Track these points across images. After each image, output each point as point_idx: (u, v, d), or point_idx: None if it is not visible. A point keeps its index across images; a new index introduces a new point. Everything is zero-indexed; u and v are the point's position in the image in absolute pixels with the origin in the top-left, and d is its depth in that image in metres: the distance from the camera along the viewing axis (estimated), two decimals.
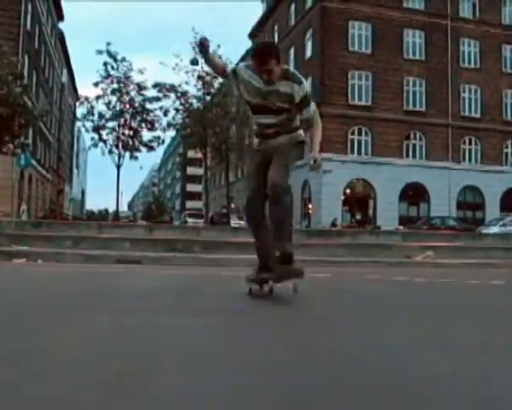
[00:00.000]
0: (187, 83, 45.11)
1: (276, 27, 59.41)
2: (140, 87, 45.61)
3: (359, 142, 46.06)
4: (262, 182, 5.13)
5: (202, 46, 4.94)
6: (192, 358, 2.66)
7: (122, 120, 45.61)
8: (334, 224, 39.45)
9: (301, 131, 5.23)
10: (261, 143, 5.29)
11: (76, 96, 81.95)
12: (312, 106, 5.03)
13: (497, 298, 6.18)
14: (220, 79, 45.72)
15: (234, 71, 5.10)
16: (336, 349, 3.00)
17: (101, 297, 5.04)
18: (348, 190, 45.67)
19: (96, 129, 45.98)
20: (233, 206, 58.62)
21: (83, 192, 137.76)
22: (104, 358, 2.61)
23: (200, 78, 44.62)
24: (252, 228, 5.39)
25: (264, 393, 2.08)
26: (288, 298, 5.08)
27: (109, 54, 45.25)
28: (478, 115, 48.85)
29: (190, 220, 50.51)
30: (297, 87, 4.83)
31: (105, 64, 45.36)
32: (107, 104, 45.66)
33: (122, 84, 45.55)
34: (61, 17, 64.89)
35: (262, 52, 4.77)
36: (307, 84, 5.06)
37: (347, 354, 2.87)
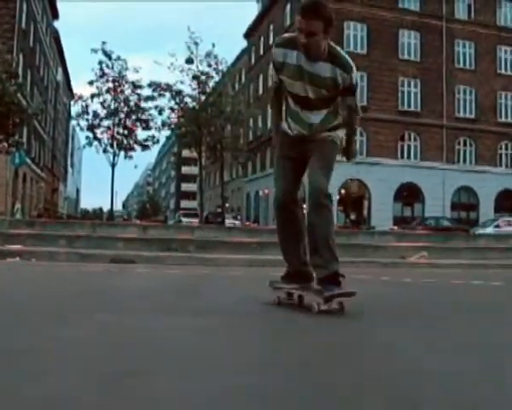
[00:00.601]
0: (182, 82, 45.06)
1: (271, 27, 59.40)
2: (135, 86, 45.50)
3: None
4: (295, 182, 4.58)
5: None
6: (192, 358, 2.66)
7: (117, 119, 45.48)
8: None
9: (342, 131, 4.53)
10: (297, 137, 4.52)
11: (71, 95, 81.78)
12: (356, 98, 4.45)
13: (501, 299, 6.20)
14: (216, 79, 45.85)
15: (274, 66, 4.43)
16: (334, 351, 3.01)
17: (100, 297, 5.03)
18: (343, 191, 45.69)
19: (91, 128, 45.83)
20: (227, 205, 58.69)
21: (77, 191, 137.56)
22: (104, 358, 2.61)
23: (195, 77, 44.56)
24: (280, 231, 4.72)
25: (264, 393, 2.08)
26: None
27: (104, 52, 45.13)
28: (473, 116, 48.99)
29: (185, 220, 50.52)
30: (343, 74, 4.16)
31: (100, 63, 45.24)
32: (102, 103, 45.56)
33: (117, 83, 45.45)
34: (56, 16, 64.76)
35: (307, 9, 3.97)
36: (355, 72, 4.29)
37: (344, 355, 2.88)
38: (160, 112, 45.65)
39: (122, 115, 45.61)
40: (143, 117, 45.78)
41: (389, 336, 3.46)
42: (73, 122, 60.71)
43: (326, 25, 4.01)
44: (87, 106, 45.71)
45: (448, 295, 6.51)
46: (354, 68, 4.25)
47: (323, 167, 4.31)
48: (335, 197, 44.48)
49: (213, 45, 45.09)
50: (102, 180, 65.72)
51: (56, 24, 66.98)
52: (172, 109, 45.68)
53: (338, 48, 4.35)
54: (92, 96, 45.40)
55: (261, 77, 62.38)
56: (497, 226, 34.72)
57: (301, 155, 4.47)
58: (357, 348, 3.07)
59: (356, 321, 4.03)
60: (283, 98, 4.60)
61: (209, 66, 44.53)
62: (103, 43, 45.21)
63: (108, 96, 45.53)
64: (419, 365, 2.63)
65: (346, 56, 4.31)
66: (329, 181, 4.35)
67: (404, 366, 2.61)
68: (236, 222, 47.32)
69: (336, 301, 4.11)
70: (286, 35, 4.38)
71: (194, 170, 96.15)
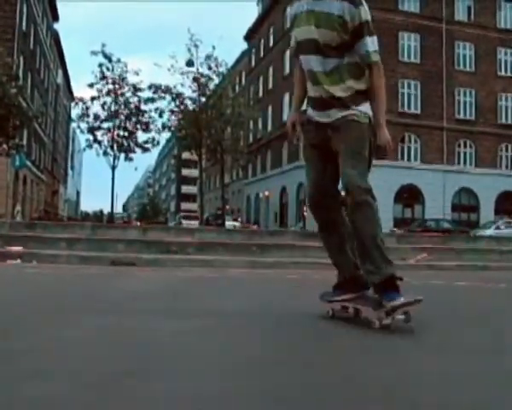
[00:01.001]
0: (182, 85, 45.04)
1: (271, 30, 59.46)
2: (135, 88, 45.47)
3: None
4: (325, 171, 4.00)
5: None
6: (192, 358, 2.66)
7: (117, 122, 45.43)
8: None
9: (368, 107, 3.83)
10: (317, 116, 3.93)
11: (71, 97, 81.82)
12: (373, 42, 3.81)
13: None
14: (216, 81, 45.78)
15: (290, 27, 4.05)
16: (331, 350, 3.01)
17: (100, 299, 5.03)
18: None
19: (91, 130, 45.78)
20: (228, 207, 58.64)
21: (78, 193, 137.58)
22: (104, 358, 2.61)
23: (195, 79, 44.53)
24: (320, 232, 4.18)
25: (265, 393, 2.08)
26: (285, 301, 5.08)
27: (104, 55, 45.10)
28: (473, 118, 48.92)
29: (185, 222, 50.49)
30: (351, 8, 3.69)
31: (100, 65, 45.21)
32: (103, 105, 45.51)
33: (117, 86, 45.42)
34: (56, 18, 64.76)
35: None
36: (366, 8, 3.80)
37: (340, 355, 2.88)
38: (161, 114, 45.63)
39: (122, 118, 45.57)
40: (144, 119, 45.75)
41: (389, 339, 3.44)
42: (74, 124, 60.77)
43: None
44: (87, 108, 45.72)
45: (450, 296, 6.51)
46: (364, 3, 3.78)
47: (352, 158, 3.76)
48: None
49: (213, 47, 45.12)
50: (103, 182, 65.80)
51: (56, 26, 67.07)
52: (172, 112, 45.66)
53: None
54: (92, 98, 45.39)
55: (261, 79, 62.44)
56: (498, 228, 34.70)
57: (325, 142, 3.90)
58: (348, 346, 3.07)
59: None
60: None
61: (209, 68, 44.51)
62: (103, 45, 45.21)
63: (109, 99, 45.53)
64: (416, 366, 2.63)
65: None
66: (365, 171, 3.87)
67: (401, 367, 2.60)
68: (236, 224, 47.25)
69: (400, 311, 3.49)
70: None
71: (194, 172, 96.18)
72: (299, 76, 4.12)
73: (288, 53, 53.28)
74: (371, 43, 3.78)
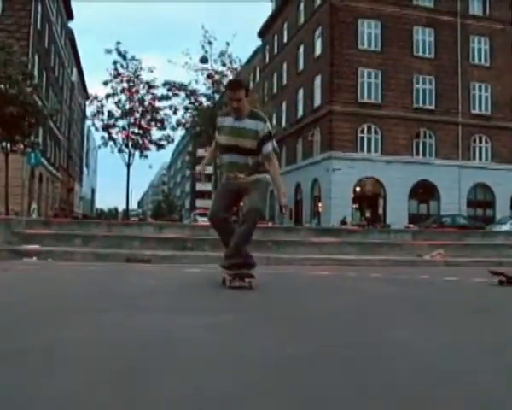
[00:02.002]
0: (196, 81, 45.13)
1: (285, 25, 59.37)
2: (149, 86, 45.57)
3: (369, 140, 45.95)
4: (228, 203, 6.29)
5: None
6: (205, 355, 2.66)
7: (132, 119, 45.55)
8: (344, 222, 39.41)
9: (268, 176, 6.15)
10: (233, 179, 6.12)
11: (86, 95, 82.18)
12: (272, 143, 6.01)
13: None
14: (230, 78, 45.78)
15: (216, 128, 6.23)
16: (343, 344, 3.01)
17: (114, 296, 5.04)
18: (358, 188, 45.54)
19: (106, 128, 45.92)
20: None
21: (93, 191, 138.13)
22: (108, 358, 2.61)
23: (209, 76, 44.59)
24: (218, 231, 6.28)
25: (279, 393, 2.08)
26: (298, 296, 5.07)
27: (119, 52, 45.22)
28: (488, 113, 48.61)
29: (200, 219, 50.51)
30: (262, 125, 5.89)
31: (115, 63, 45.33)
32: (117, 103, 45.64)
33: (132, 83, 45.53)
34: (70, 16, 65.05)
35: (234, 84, 6.05)
36: (269, 124, 6.06)
37: (349, 350, 2.88)
38: (175, 111, 45.73)
39: (137, 115, 45.69)
40: (158, 117, 45.84)
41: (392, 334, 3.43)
42: (88, 122, 61.00)
43: (246, 91, 5.88)
44: (102, 106, 45.89)
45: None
46: (267, 120, 6.04)
47: (260, 194, 6.10)
48: (350, 195, 44.40)
49: (227, 44, 45.12)
50: (118, 180, 66.07)
51: (70, 24, 67.31)
52: (187, 109, 45.74)
53: (253, 108, 6.19)
54: (107, 96, 45.54)
55: (275, 75, 62.34)
56: None
57: (236, 189, 6.19)
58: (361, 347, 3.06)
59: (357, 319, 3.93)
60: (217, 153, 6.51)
61: (223, 65, 44.55)
62: (118, 43, 45.34)
63: (123, 96, 45.67)
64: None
65: (260, 112, 6.20)
66: (266, 204, 6.22)
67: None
68: None
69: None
70: (223, 110, 6.42)
71: (209, 169, 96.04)
72: (213, 151, 6.65)
73: (301, 48, 53.23)
74: (271, 145, 6.00)
